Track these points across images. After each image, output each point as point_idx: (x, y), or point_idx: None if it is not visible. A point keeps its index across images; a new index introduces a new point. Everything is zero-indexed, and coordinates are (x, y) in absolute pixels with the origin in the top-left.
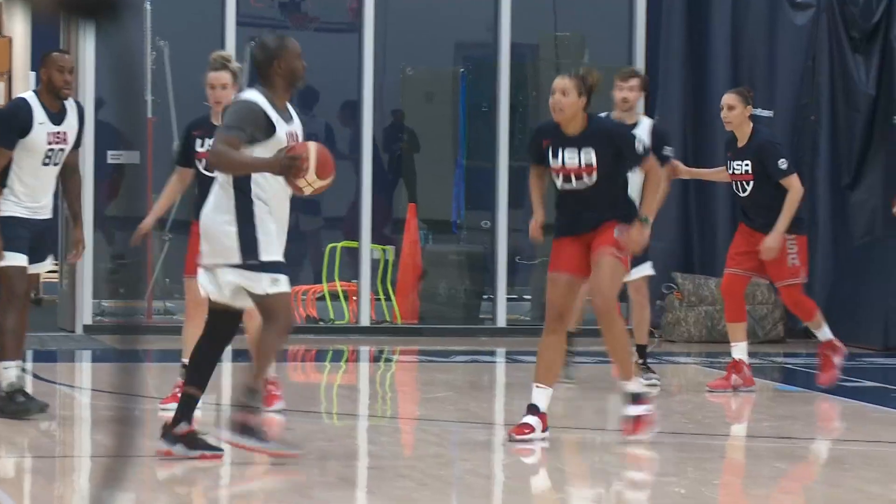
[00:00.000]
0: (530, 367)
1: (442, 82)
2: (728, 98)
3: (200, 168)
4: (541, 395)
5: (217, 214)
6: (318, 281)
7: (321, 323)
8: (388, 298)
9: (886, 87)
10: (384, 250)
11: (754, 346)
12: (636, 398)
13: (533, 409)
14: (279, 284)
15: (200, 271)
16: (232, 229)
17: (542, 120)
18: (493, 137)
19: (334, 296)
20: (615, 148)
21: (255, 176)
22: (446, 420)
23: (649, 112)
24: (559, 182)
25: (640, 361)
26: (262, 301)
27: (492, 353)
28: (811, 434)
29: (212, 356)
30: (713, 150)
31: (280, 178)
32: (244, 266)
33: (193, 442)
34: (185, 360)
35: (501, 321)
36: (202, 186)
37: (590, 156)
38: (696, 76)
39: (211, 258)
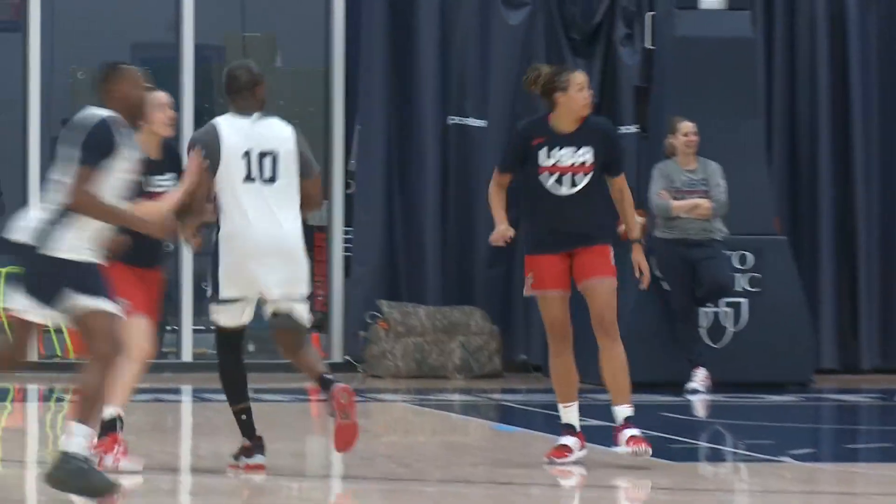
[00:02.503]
0: (220, 407)
1: None
2: None
3: None
4: (572, 414)
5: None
6: None
7: None
8: (59, 330)
9: (610, 93)
10: None
11: (470, 382)
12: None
13: (569, 430)
14: None
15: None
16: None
17: None
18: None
19: None
20: (606, 148)
21: None
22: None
23: (349, 122)
24: (548, 184)
25: None
26: None
27: (176, 391)
28: (531, 479)
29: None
30: (421, 163)
31: None
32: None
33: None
34: None
35: (187, 355)
36: None
37: (588, 154)
38: (401, 81)
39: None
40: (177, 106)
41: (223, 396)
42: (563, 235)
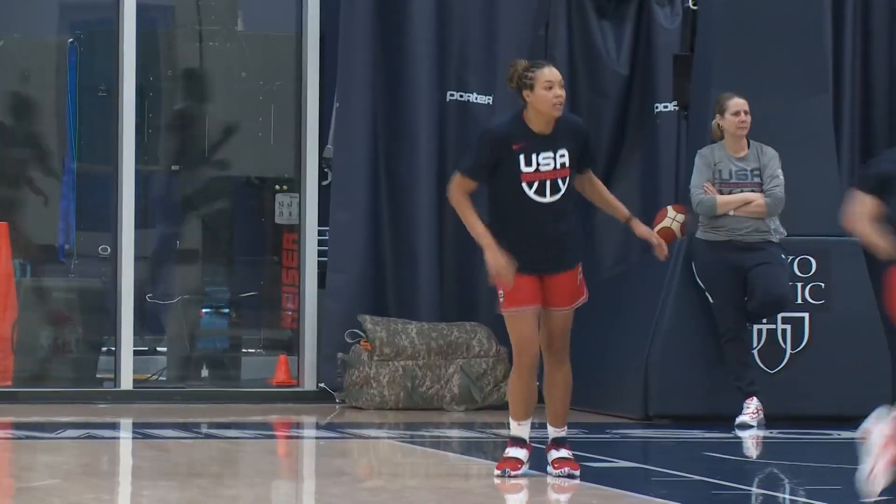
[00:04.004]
0: (166, 445)
1: (43, 57)
2: None
3: None
4: (525, 429)
5: None
6: None
7: None
8: None
9: (643, 64)
10: None
11: (472, 415)
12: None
13: (519, 442)
14: None
15: None
16: None
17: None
18: (114, 132)
19: None
20: (580, 149)
21: None
22: None
23: (325, 99)
24: (530, 193)
25: None
26: None
27: (114, 427)
28: None
29: None
30: (413, 149)
31: None
32: None
33: None
34: None
35: (127, 382)
36: None
37: (564, 157)
38: (389, 50)
39: None
40: (115, 80)
41: (170, 432)
42: (541, 258)
